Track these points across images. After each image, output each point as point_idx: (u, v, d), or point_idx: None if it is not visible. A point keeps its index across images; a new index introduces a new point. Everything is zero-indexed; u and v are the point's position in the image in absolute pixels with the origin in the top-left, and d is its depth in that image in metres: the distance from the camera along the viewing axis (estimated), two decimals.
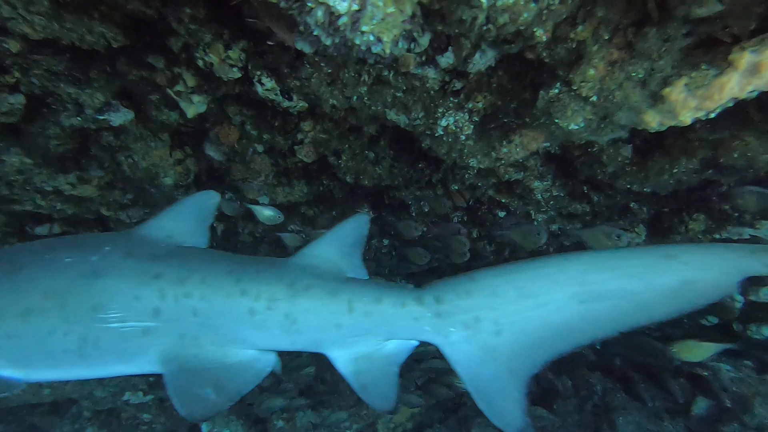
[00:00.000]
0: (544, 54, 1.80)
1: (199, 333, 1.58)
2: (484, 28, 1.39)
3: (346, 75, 2.39)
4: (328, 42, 1.31)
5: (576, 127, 1.91)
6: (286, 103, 2.72)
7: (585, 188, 3.61)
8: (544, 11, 1.53)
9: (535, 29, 1.60)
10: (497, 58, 2.03)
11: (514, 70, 2.21)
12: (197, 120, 3.28)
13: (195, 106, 2.98)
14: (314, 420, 5.18)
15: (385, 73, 2.33)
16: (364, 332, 1.58)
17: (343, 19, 1.23)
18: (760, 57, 1.37)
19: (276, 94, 2.65)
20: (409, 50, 1.57)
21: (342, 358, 1.64)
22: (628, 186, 3.04)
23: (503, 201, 3.88)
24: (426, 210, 4.17)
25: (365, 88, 2.45)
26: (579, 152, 2.99)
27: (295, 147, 3.47)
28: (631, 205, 3.69)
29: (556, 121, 1.92)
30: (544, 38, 1.63)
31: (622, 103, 1.72)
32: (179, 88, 2.82)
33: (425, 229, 4.02)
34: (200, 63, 2.42)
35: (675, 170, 2.70)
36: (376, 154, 3.49)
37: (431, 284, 1.59)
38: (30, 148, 2.93)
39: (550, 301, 1.43)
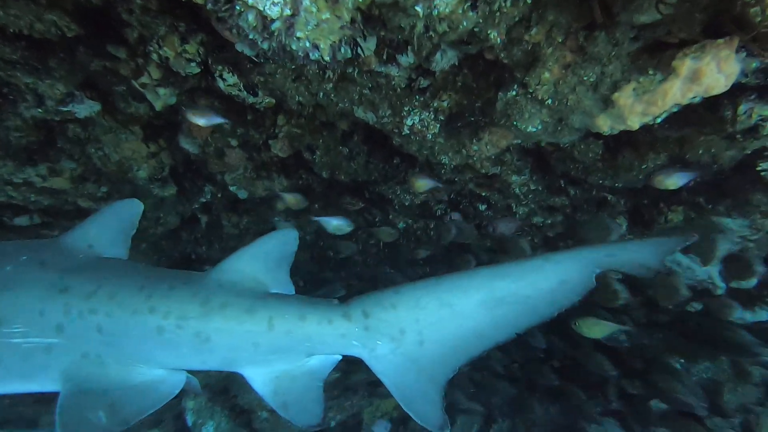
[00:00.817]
0: (502, 55, 1.77)
1: (103, 351, 1.52)
2: (426, 35, 1.36)
3: (311, 71, 2.34)
4: (264, 46, 1.28)
5: (534, 129, 1.89)
6: (251, 99, 2.66)
7: (562, 182, 3.61)
8: (497, 13, 1.49)
9: (489, 31, 1.56)
10: (460, 57, 1.99)
11: (478, 69, 2.17)
12: (170, 112, 3.22)
13: (162, 99, 2.92)
14: None
15: (350, 70, 2.28)
16: (284, 350, 1.55)
17: (276, 24, 1.20)
18: (699, 64, 1.36)
19: (240, 90, 2.59)
20: (355, 54, 1.53)
21: (259, 377, 1.58)
22: (600, 181, 3.03)
23: (484, 194, 3.87)
24: (407, 204, 4.16)
25: (331, 85, 2.41)
26: (552, 148, 2.97)
27: (270, 141, 3.43)
28: (609, 198, 3.70)
29: (515, 123, 1.89)
30: (499, 40, 1.59)
31: (575, 107, 1.70)
32: (144, 80, 2.75)
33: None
34: (155, 57, 2.34)
35: (644, 166, 2.69)
36: (350, 150, 3.45)
37: (357, 299, 1.58)
38: None
39: (463, 310, 1.51)
